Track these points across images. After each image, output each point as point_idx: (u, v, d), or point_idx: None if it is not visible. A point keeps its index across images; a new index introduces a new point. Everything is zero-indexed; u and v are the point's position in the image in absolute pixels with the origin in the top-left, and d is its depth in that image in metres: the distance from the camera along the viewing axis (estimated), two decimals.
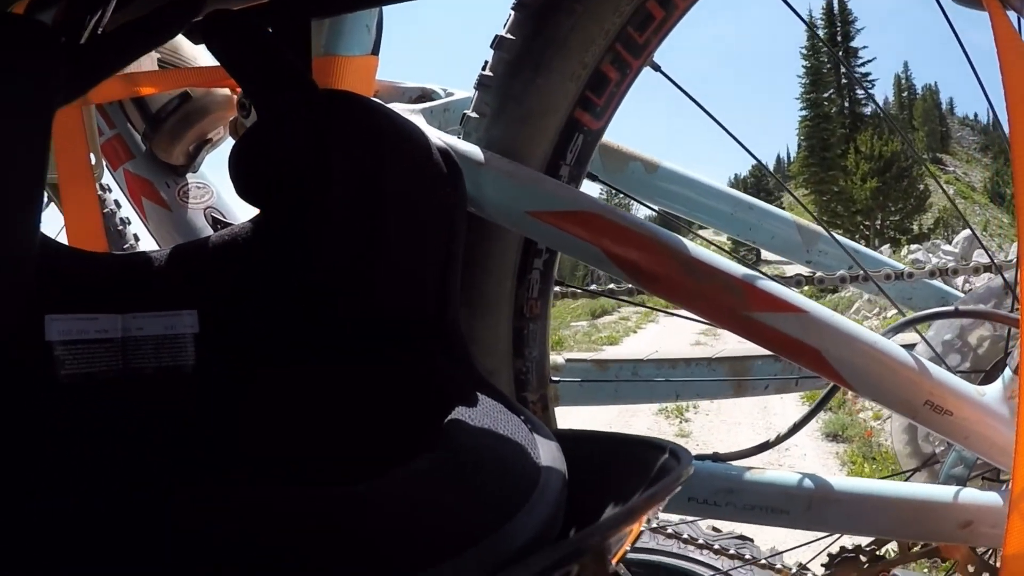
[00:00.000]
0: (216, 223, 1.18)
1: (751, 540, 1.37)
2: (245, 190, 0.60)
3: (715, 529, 1.42)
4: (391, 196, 0.57)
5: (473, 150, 0.68)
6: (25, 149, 0.45)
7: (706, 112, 0.77)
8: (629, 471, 0.42)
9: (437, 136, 0.66)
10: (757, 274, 0.67)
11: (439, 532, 0.35)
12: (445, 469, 0.39)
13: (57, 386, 0.48)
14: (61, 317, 0.49)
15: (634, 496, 0.35)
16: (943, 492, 0.76)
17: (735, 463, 0.81)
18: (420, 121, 0.77)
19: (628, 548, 0.37)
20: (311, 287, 0.57)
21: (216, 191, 1.22)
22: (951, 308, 0.81)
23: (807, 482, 0.76)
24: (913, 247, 15.69)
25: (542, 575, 0.28)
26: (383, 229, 0.57)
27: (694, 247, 0.67)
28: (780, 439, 0.85)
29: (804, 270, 1.06)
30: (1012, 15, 0.60)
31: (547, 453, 0.44)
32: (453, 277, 0.59)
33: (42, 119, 0.47)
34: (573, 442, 0.47)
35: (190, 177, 1.21)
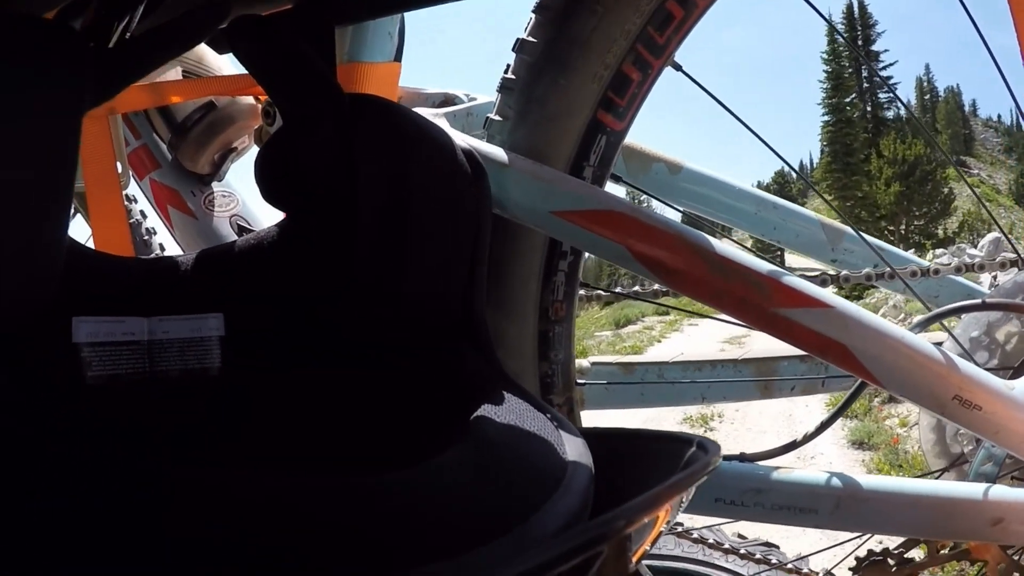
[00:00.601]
0: (242, 231, 1.19)
1: (777, 547, 1.36)
2: (270, 193, 0.60)
3: (740, 536, 1.41)
4: (417, 197, 0.57)
5: (497, 151, 0.69)
6: (56, 151, 0.46)
7: (730, 111, 0.77)
8: (656, 465, 0.42)
9: (462, 138, 0.67)
10: (782, 270, 0.66)
11: (467, 523, 0.35)
12: (472, 462, 0.39)
13: (83, 387, 0.48)
14: (89, 319, 0.49)
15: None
16: (973, 489, 0.75)
17: (762, 463, 0.81)
18: (444, 125, 0.77)
19: (648, 548, 0.37)
20: (339, 287, 0.57)
21: (241, 199, 1.23)
22: (979, 301, 0.80)
23: (835, 481, 0.75)
24: (938, 251, 15.52)
25: (570, 555, 0.28)
26: (409, 230, 0.57)
27: (720, 244, 0.66)
28: (808, 438, 0.84)
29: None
30: None
31: (574, 449, 0.44)
32: (479, 278, 0.59)
33: (72, 121, 0.47)
34: (599, 439, 0.47)
35: (216, 186, 1.22)
